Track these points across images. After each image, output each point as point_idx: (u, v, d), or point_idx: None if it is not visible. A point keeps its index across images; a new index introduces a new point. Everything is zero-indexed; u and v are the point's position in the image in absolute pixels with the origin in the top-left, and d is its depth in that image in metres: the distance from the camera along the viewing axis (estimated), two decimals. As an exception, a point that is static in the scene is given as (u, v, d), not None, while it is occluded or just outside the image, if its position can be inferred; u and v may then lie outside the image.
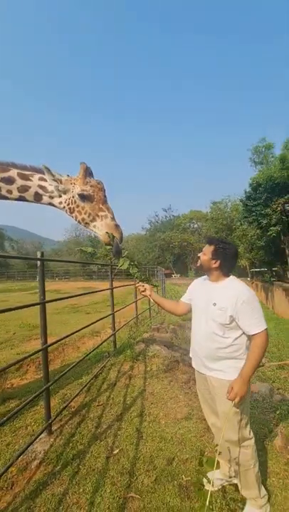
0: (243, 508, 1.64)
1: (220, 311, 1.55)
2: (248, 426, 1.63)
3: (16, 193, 2.24)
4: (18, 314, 9.34)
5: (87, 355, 3.34)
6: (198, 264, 1.76)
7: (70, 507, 1.72)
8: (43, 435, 2.41)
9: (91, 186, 2.22)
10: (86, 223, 2.28)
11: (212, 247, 1.65)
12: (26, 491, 1.85)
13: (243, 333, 1.55)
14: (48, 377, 2.46)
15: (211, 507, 1.18)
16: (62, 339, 2.74)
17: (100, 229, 2.24)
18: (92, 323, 3.53)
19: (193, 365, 1.80)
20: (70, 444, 2.28)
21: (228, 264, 1.64)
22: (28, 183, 2.24)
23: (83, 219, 2.26)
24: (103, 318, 3.94)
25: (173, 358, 3.70)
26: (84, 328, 3.22)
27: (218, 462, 1.93)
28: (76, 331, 3.01)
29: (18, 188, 2.22)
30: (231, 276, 1.68)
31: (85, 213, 2.24)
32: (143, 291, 2.00)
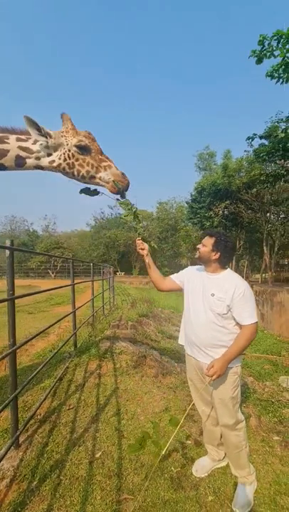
0: (234, 488, 1.72)
1: (219, 301, 1.60)
2: (239, 409, 1.72)
3: None
4: None
5: (53, 355, 3.05)
6: (196, 256, 1.77)
7: (59, 523, 1.55)
8: (2, 451, 2.11)
9: (85, 137, 1.99)
10: (91, 177, 2.04)
11: (213, 239, 1.68)
12: (0, 517, 1.59)
13: (238, 323, 1.62)
14: (16, 383, 2.17)
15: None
16: (32, 338, 2.45)
17: (106, 180, 2.04)
18: (56, 322, 3.25)
19: (189, 352, 1.82)
20: (45, 455, 2.05)
21: (227, 256, 1.70)
22: (4, 146, 1.86)
23: (88, 172, 2.01)
24: (66, 316, 3.67)
25: (140, 353, 3.68)
26: (50, 326, 2.94)
27: (205, 448, 2.01)
28: (44, 329, 2.73)
29: None
30: (228, 269, 1.74)
31: (87, 165, 2.00)
32: (141, 249, 1.91)
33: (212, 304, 1.63)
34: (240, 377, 1.70)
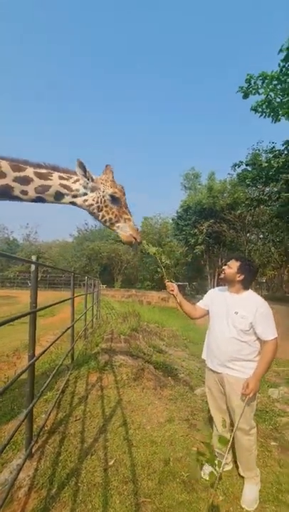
0: (241, 489, 1.91)
1: (242, 319, 1.83)
2: (253, 416, 1.93)
3: (32, 194, 2.05)
4: None
5: (57, 368, 3.12)
6: (221, 276, 2.02)
7: (84, 526, 1.65)
8: (19, 461, 2.16)
9: (119, 190, 2.33)
10: (111, 223, 2.37)
11: (239, 263, 1.92)
12: (25, 523, 1.66)
13: (258, 338, 1.85)
14: (33, 395, 2.26)
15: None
16: (47, 348, 2.54)
17: (123, 230, 2.38)
18: (61, 335, 3.34)
19: (209, 365, 2.03)
20: (60, 464, 2.13)
21: (250, 279, 1.94)
22: (48, 182, 2.09)
23: (110, 219, 2.33)
24: (67, 329, 3.75)
25: (139, 366, 3.82)
26: (59, 338, 3.03)
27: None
28: (55, 340, 2.82)
29: (35, 188, 2.04)
30: (250, 290, 1.98)
31: (112, 214, 2.32)
32: (172, 290, 2.14)
33: (235, 321, 1.85)
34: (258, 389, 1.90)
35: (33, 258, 2.28)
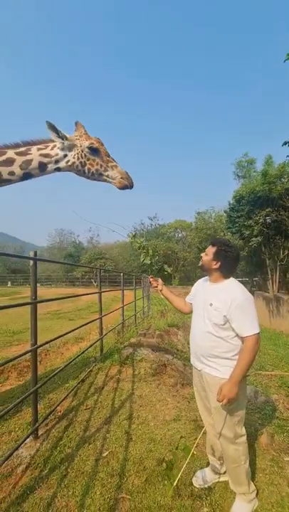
0: (232, 504, 1.67)
1: (215, 311, 1.59)
2: (242, 423, 1.66)
3: (19, 172, 2.20)
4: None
5: (75, 358, 3.29)
6: (199, 264, 1.82)
7: (60, 510, 1.68)
8: (28, 440, 2.34)
9: (95, 141, 2.36)
10: (100, 174, 2.40)
11: (214, 248, 1.69)
12: (12, 497, 1.79)
13: (237, 334, 1.58)
14: (37, 379, 2.42)
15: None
16: (53, 340, 2.70)
17: (114, 177, 2.40)
18: (80, 327, 3.50)
19: (191, 361, 1.85)
20: (58, 448, 2.24)
21: (228, 266, 1.69)
22: (28, 157, 2.22)
23: (97, 170, 2.37)
24: (91, 321, 3.91)
25: (160, 361, 3.72)
26: (72, 331, 3.19)
27: (208, 460, 1.98)
28: (65, 333, 2.98)
29: (20, 166, 2.19)
30: (231, 279, 1.71)
31: (96, 165, 2.36)
32: (155, 287, 2.06)
33: (210, 313, 1.63)
34: (241, 389, 1.63)
35: (31, 254, 2.46)
